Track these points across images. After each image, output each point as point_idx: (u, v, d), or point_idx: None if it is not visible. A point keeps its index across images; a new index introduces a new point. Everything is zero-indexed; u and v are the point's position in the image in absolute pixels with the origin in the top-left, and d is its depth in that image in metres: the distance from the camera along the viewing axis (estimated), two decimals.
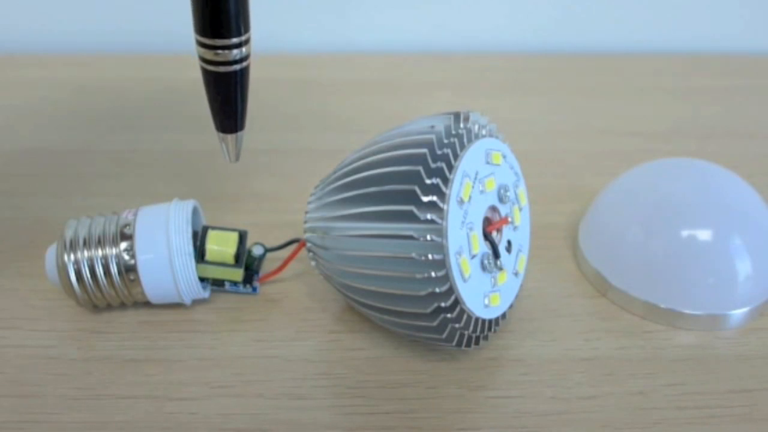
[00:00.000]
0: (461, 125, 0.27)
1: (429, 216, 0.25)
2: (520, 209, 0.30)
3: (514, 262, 0.30)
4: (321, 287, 0.33)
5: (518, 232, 0.30)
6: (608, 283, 0.32)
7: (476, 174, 0.27)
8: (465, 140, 0.27)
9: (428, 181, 0.25)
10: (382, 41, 0.56)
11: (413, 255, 0.25)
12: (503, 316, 0.29)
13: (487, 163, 0.28)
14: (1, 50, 0.54)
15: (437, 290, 0.26)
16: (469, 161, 0.26)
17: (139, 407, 0.27)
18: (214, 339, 0.30)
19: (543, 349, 0.30)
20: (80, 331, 0.30)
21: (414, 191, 0.25)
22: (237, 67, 0.26)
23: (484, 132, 0.28)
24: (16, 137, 0.43)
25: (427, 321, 0.26)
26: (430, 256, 0.25)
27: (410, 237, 0.25)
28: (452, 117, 0.27)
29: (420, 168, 0.25)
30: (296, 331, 0.31)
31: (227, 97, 0.27)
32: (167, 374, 0.29)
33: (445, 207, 0.25)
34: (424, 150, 0.26)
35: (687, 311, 0.31)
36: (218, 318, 0.31)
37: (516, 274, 0.30)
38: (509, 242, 0.29)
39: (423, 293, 0.26)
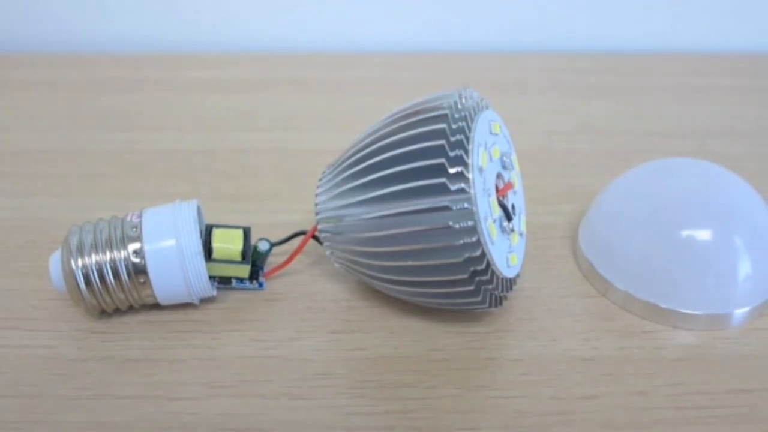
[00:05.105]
0: (463, 100, 0.29)
1: (459, 186, 0.26)
2: (517, 175, 0.32)
3: (519, 223, 0.31)
4: (321, 287, 0.33)
5: (517, 195, 0.32)
6: (608, 283, 0.32)
7: (485, 143, 0.28)
8: (472, 113, 0.28)
9: (452, 154, 0.27)
10: (382, 41, 0.56)
11: (450, 224, 0.26)
12: (518, 275, 0.31)
13: (491, 133, 0.29)
14: (1, 50, 0.54)
15: (472, 255, 0.27)
16: (479, 132, 0.28)
17: (139, 407, 0.27)
18: (214, 339, 0.30)
19: (543, 349, 0.30)
20: (80, 331, 0.30)
21: (442, 164, 0.27)
22: None
23: (482, 104, 0.30)
24: (16, 137, 0.43)
25: (464, 286, 0.28)
26: (464, 224, 0.26)
27: (445, 208, 0.26)
28: (455, 93, 0.29)
29: (443, 142, 0.27)
30: (296, 331, 0.31)
31: None
32: (167, 374, 0.29)
33: (470, 176, 0.26)
34: (443, 125, 0.27)
35: (687, 311, 0.31)
36: (218, 318, 0.31)
37: (521, 234, 0.31)
38: (513, 205, 0.31)
39: (461, 259, 0.27)
